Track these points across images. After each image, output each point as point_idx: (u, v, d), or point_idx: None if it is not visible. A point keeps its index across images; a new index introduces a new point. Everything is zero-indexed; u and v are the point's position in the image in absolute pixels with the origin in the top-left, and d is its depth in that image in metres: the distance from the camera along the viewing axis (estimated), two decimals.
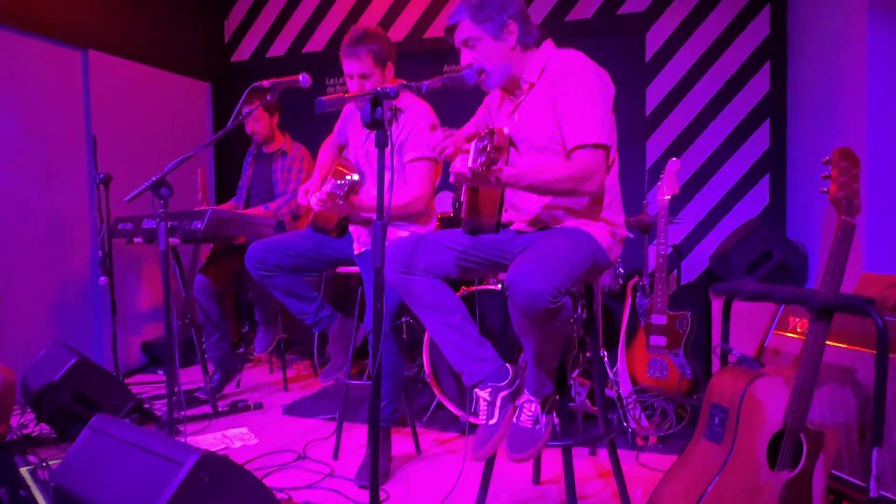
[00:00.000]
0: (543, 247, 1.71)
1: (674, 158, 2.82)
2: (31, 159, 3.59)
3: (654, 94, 4.00)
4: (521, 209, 1.96)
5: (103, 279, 3.50)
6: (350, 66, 2.41)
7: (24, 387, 2.87)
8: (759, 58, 3.78)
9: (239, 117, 2.25)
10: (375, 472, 1.61)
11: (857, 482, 1.74)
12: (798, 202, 3.56)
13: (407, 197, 2.43)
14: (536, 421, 1.82)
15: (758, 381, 1.53)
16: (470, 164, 1.65)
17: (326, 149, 2.83)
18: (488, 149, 1.59)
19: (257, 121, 3.57)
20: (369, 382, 2.43)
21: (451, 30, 1.91)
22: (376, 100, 1.46)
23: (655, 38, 3.98)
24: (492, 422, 1.81)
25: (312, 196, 2.40)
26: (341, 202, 2.20)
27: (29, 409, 2.86)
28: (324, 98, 1.45)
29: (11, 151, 3.47)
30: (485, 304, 2.78)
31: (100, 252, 3.51)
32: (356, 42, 2.39)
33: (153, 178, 2.24)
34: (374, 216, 2.43)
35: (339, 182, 2.22)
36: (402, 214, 2.46)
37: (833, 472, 1.78)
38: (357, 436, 2.85)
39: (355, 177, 2.32)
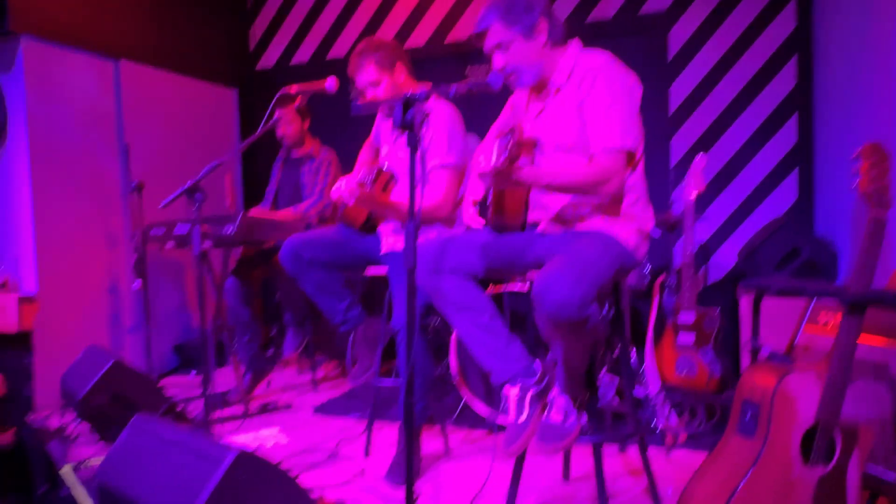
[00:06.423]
0: (569, 254, 1.72)
1: (701, 154, 2.80)
2: (66, 167, 3.69)
3: (678, 92, 3.98)
4: (546, 207, 1.98)
5: (137, 283, 3.58)
6: (359, 78, 2.51)
7: (63, 389, 2.95)
8: (786, 51, 3.74)
9: (268, 122, 2.30)
10: (410, 470, 1.63)
11: (893, 479, 1.73)
12: (827, 198, 3.52)
13: (430, 202, 2.46)
14: (566, 416, 1.83)
15: (790, 376, 1.53)
16: (493, 161, 1.66)
17: (365, 150, 2.90)
18: (510, 145, 1.61)
19: (289, 124, 3.65)
20: (398, 381, 2.47)
21: (480, 36, 1.93)
22: (408, 102, 1.50)
23: (678, 38, 3.95)
24: (521, 419, 1.82)
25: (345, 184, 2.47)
26: (367, 189, 2.32)
27: (69, 410, 2.95)
28: (359, 102, 1.50)
29: (49, 159, 3.57)
30: (512, 304, 2.79)
31: (134, 256, 3.59)
32: (358, 55, 2.51)
33: (188, 184, 2.31)
34: (395, 216, 2.50)
35: (368, 172, 2.46)
36: (426, 219, 2.49)
37: (868, 467, 1.76)
38: (387, 434, 2.88)
39: (384, 167, 2.51)
